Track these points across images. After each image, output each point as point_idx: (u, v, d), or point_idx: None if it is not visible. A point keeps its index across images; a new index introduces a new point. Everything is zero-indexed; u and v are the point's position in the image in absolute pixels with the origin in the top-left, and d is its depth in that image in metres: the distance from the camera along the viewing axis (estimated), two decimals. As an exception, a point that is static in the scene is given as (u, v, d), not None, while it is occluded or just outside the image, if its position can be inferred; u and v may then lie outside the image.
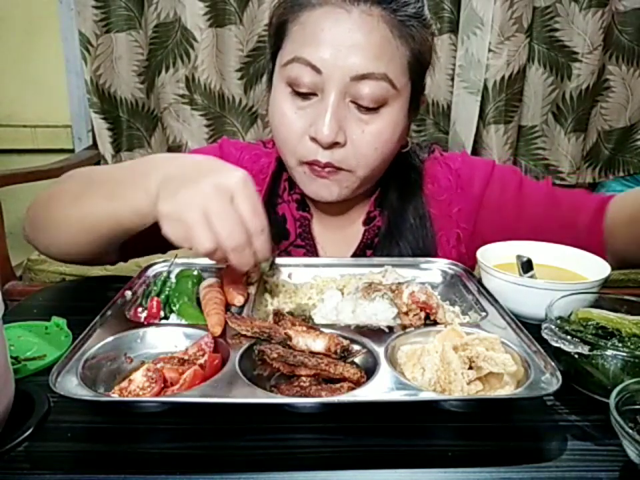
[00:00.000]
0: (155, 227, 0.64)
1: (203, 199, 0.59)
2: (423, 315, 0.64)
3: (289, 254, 0.93)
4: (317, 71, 0.75)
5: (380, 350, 0.57)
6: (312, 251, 0.94)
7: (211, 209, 0.58)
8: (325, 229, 0.96)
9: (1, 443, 0.48)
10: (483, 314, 0.67)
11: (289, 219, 0.94)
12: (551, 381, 0.51)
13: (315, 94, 0.78)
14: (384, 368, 0.54)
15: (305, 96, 0.78)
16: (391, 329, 0.62)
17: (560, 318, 0.62)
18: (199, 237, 0.59)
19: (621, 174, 2.40)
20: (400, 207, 0.92)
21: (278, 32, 0.82)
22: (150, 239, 0.71)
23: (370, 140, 0.79)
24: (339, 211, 0.94)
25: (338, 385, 0.53)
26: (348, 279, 0.76)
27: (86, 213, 0.72)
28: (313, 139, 0.78)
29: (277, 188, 0.94)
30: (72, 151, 2.32)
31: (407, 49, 0.79)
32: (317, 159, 0.79)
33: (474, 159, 1.02)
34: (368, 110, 0.78)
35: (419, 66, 0.82)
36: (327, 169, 0.80)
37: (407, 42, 0.79)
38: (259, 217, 0.62)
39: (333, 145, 0.78)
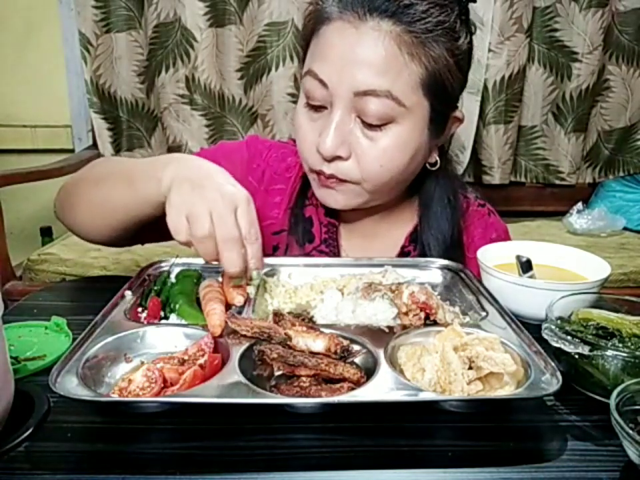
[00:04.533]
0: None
1: (210, 201, 0.66)
2: (422, 315, 0.64)
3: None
4: (325, 85, 0.77)
5: (380, 350, 0.57)
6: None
7: (215, 209, 0.65)
8: (353, 245, 0.95)
9: (1, 443, 0.48)
10: (483, 314, 0.67)
11: (315, 223, 0.94)
12: (551, 381, 0.51)
13: (325, 107, 0.80)
14: (384, 368, 0.54)
15: (317, 108, 0.80)
16: (391, 329, 0.62)
17: (560, 318, 0.62)
18: (200, 223, 0.65)
19: (621, 174, 2.40)
20: (435, 253, 0.90)
21: (305, 42, 0.84)
22: (165, 227, 0.76)
23: (375, 156, 0.79)
24: (372, 232, 0.95)
25: (338, 385, 0.53)
26: (348, 279, 0.76)
27: (105, 197, 0.80)
28: (318, 151, 0.80)
29: (306, 189, 0.94)
30: (72, 150, 2.32)
31: (419, 65, 0.75)
32: (322, 170, 0.81)
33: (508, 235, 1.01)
34: (372, 126, 0.77)
35: (435, 84, 0.78)
36: (331, 180, 0.82)
37: (419, 59, 0.75)
38: (255, 228, 0.69)
39: (336, 158, 0.79)
